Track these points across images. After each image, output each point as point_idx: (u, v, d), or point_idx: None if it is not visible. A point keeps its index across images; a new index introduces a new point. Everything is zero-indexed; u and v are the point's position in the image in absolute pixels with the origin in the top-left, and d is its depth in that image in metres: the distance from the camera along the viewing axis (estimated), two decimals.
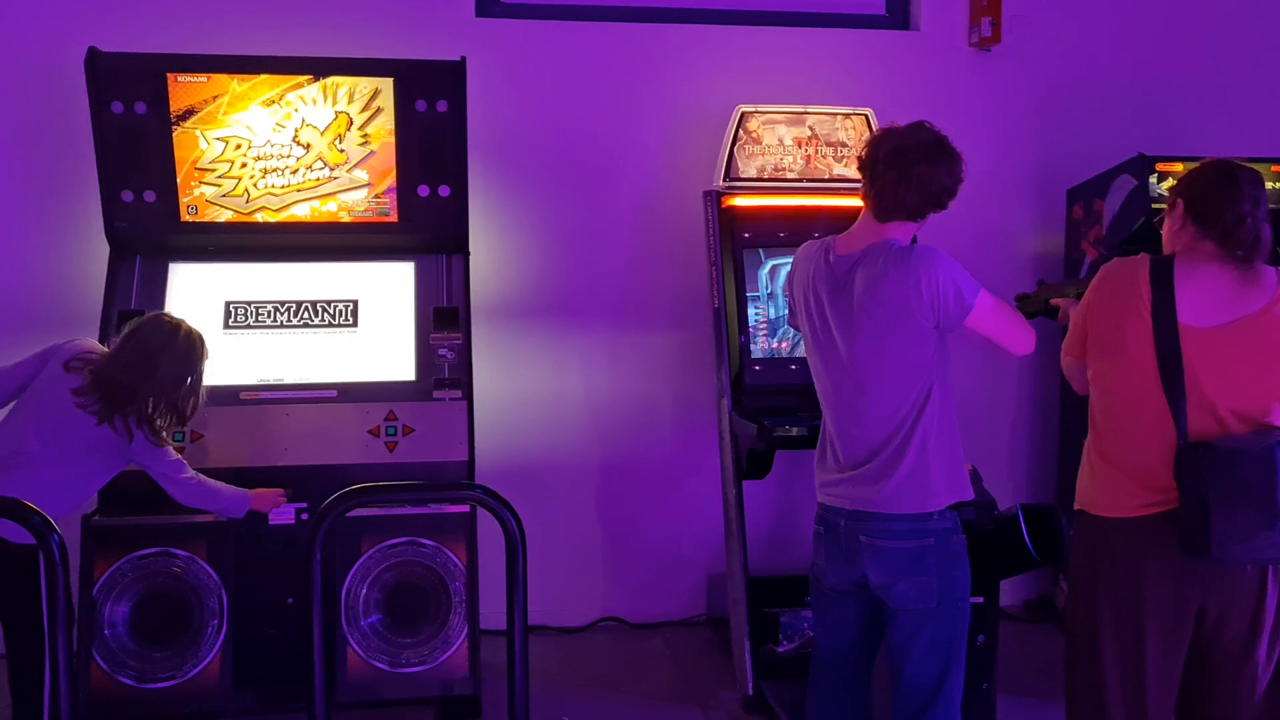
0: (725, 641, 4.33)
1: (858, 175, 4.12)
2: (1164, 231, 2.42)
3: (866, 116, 4.18)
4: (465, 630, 3.54)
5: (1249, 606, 2.23)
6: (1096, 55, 4.70)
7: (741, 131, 4.11)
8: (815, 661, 2.58)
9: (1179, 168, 3.98)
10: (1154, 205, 3.93)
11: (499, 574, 3.96)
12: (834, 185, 4.17)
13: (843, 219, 4.11)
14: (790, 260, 4.04)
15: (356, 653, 3.49)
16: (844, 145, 4.18)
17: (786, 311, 2.63)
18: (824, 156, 4.18)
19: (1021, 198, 4.67)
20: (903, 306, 2.30)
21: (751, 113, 4.11)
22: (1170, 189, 2.43)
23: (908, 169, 2.33)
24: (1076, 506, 2.41)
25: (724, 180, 4.10)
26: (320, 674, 2.28)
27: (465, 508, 3.56)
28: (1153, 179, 3.95)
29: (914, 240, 2.44)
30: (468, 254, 3.90)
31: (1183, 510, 2.16)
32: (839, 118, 4.18)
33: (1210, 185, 2.31)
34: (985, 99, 4.63)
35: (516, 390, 4.42)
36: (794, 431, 3.59)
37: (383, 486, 2.57)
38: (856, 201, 4.12)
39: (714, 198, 4.07)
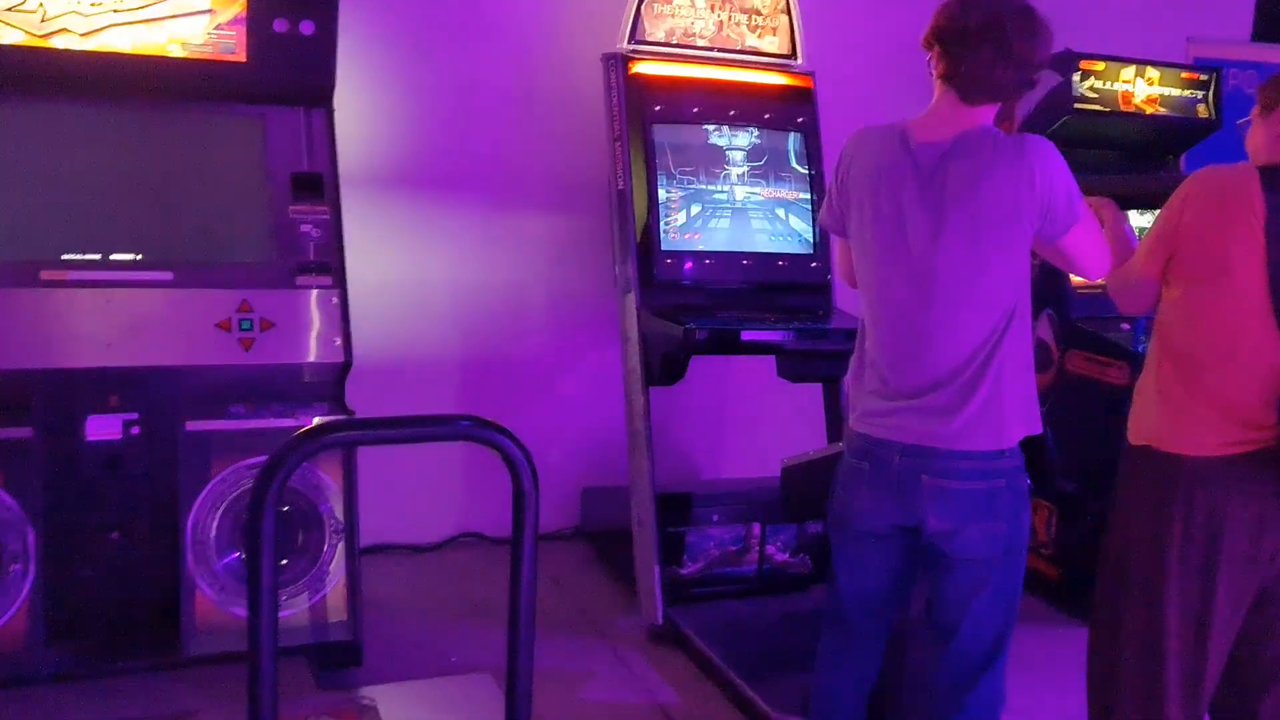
0: (604, 557, 3.98)
1: (770, 50, 3.79)
2: (1255, 137, 2.17)
3: None
4: (344, 565, 2.97)
5: None
6: None
7: None
8: (834, 610, 2.25)
9: (1101, 66, 3.83)
10: (1076, 105, 3.77)
11: (371, 489, 3.38)
12: (746, 58, 3.73)
13: (756, 97, 3.73)
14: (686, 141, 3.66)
15: (207, 597, 2.85)
16: (758, 13, 3.74)
17: (825, 208, 2.21)
18: (737, 24, 3.72)
19: (923, 88, 4.39)
20: (1010, 204, 1.94)
21: None
22: (1267, 88, 2.17)
23: (1006, 43, 1.94)
24: (1139, 441, 2.17)
25: (629, 43, 3.57)
26: (270, 676, 1.70)
27: (341, 418, 2.96)
28: (1075, 77, 3.77)
29: None
30: (331, 108, 3.18)
31: None
32: None
33: None
34: None
35: (370, 275, 3.72)
36: (726, 333, 3.22)
37: (358, 422, 1.93)
38: (771, 78, 3.78)
39: (618, 62, 3.53)
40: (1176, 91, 3.93)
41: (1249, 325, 2.01)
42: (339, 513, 2.96)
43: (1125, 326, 3.70)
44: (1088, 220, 2.02)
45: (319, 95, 3.15)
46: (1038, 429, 2.06)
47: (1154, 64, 3.88)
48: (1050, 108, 3.83)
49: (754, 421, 4.33)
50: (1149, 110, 3.88)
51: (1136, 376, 3.48)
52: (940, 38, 2.01)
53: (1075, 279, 3.66)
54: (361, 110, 3.66)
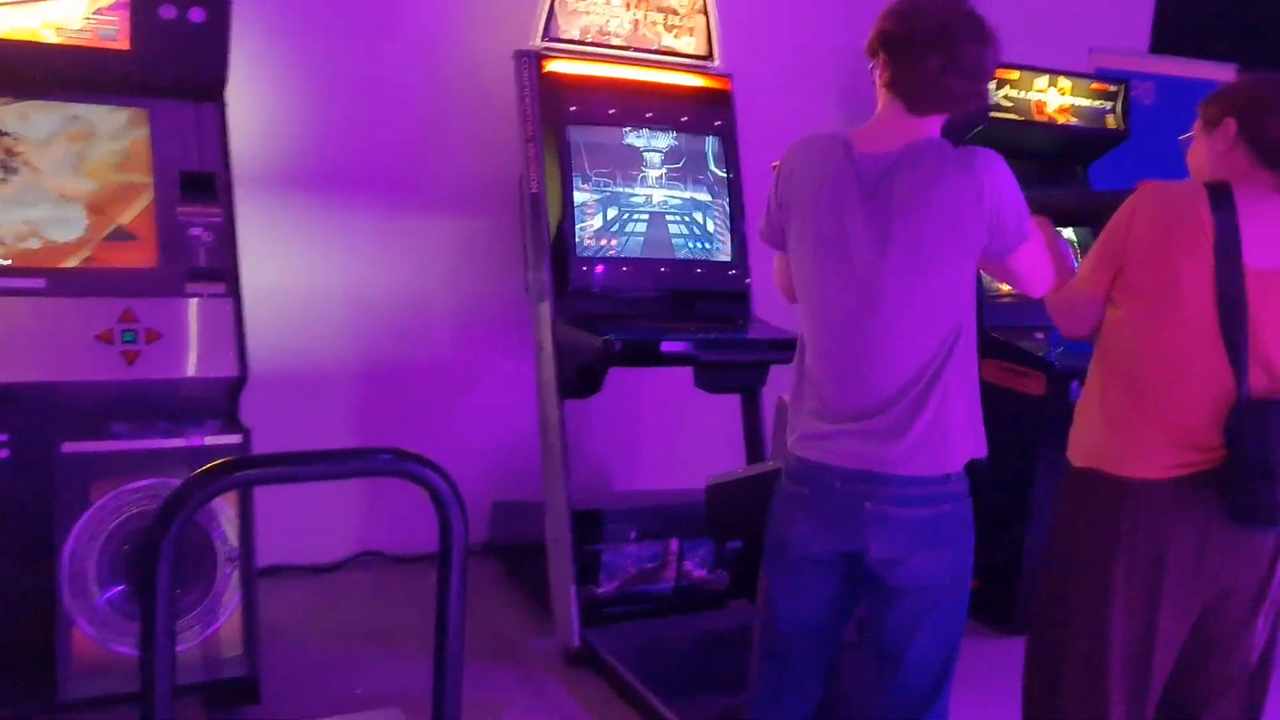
0: (515, 574, 3.84)
1: (686, 51, 3.68)
2: (1198, 153, 2.13)
3: None
4: (239, 595, 2.75)
5: (1259, 575, 2.06)
6: None
7: None
8: (768, 640, 2.14)
9: (1015, 75, 3.82)
10: (992, 114, 3.76)
11: (264, 505, 3.14)
12: (663, 58, 3.61)
13: (673, 99, 3.62)
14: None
15: (86, 635, 2.61)
16: (674, 12, 3.63)
17: (764, 221, 2.10)
18: (653, 23, 3.60)
19: (825, 91, 4.35)
20: (957, 219, 1.86)
21: None
22: (1210, 104, 2.14)
23: (957, 50, 1.86)
24: (1083, 463, 2.12)
25: (542, 39, 3.42)
26: None
27: (236, 437, 2.75)
28: (990, 85, 3.75)
29: None
30: (223, 103, 2.95)
31: (1241, 474, 1.92)
32: None
33: (1274, 107, 2.04)
34: None
35: (264, 280, 3.48)
36: (645, 344, 3.10)
37: (267, 459, 1.71)
38: (688, 79, 3.67)
39: (531, 60, 3.38)
40: (1086, 102, 3.96)
41: (1198, 345, 1.97)
42: (233, 538, 2.75)
43: (1039, 336, 3.71)
44: (1036, 237, 1.96)
45: (210, 88, 2.91)
46: (983, 451, 1.99)
47: (1065, 74, 3.90)
48: (966, 116, 3.80)
49: (670, 432, 4.23)
50: (1060, 120, 3.90)
51: (1052, 386, 3.53)
52: (886, 44, 1.92)
53: (988, 283, 3.65)
54: (256, 105, 3.44)
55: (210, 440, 2.72)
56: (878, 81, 1.98)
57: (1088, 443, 2.12)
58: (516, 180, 3.55)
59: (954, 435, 1.93)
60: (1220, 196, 1.97)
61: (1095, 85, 3.95)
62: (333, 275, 3.68)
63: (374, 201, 3.69)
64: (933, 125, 1.95)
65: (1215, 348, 1.96)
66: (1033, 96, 3.82)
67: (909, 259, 1.87)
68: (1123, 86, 4.00)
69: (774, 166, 2.57)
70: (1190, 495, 2.00)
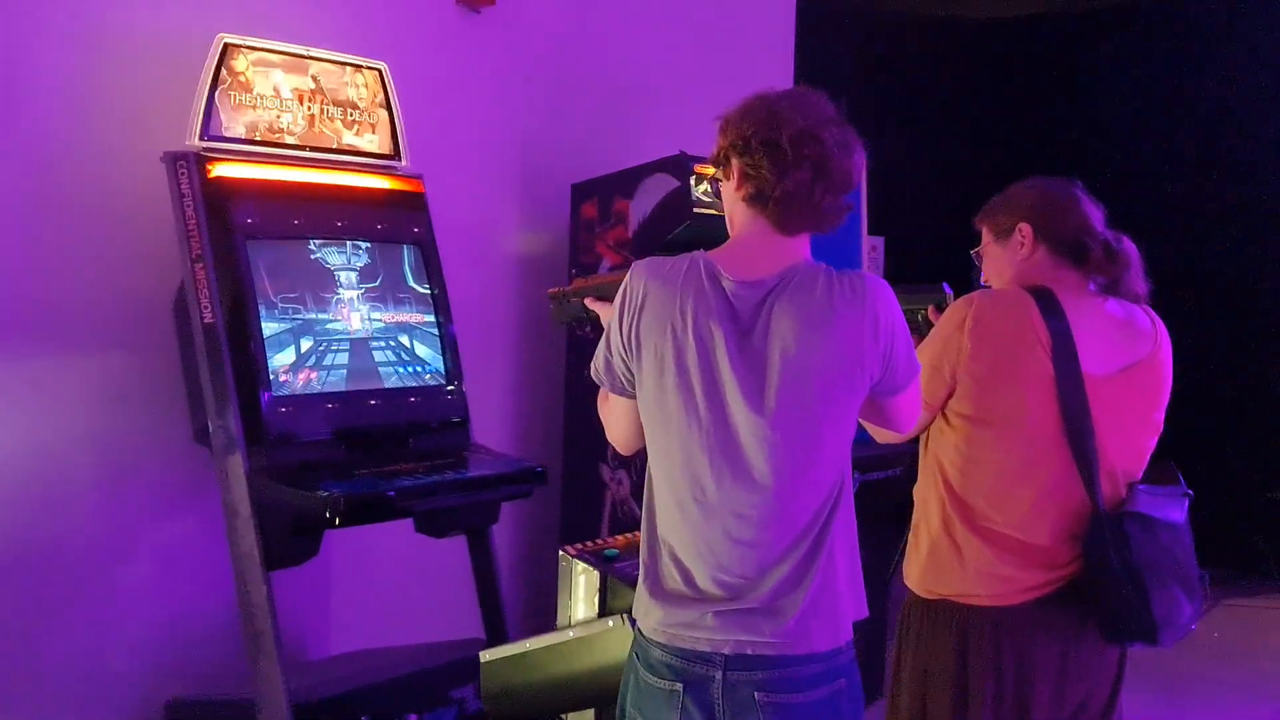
0: None
1: (370, 149, 3.22)
2: (997, 263, 2.07)
3: (381, 72, 3.25)
4: None
5: (1109, 686, 2.00)
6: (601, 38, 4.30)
7: (225, 72, 2.90)
8: None
9: (711, 170, 3.74)
10: (696, 210, 3.65)
11: None
12: (344, 159, 3.17)
13: (363, 205, 3.16)
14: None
15: None
16: (354, 107, 3.20)
17: (603, 361, 1.73)
18: (331, 118, 3.15)
19: (514, 189, 4.07)
20: (850, 357, 1.61)
21: (238, 47, 2.93)
22: (993, 215, 2.07)
23: (826, 162, 1.63)
24: (934, 596, 1.96)
25: (201, 138, 2.86)
26: None
27: None
28: (691, 181, 3.65)
29: None
30: None
31: (1109, 591, 1.83)
32: (349, 70, 3.19)
33: (1065, 205, 2.02)
34: (472, 69, 3.92)
35: None
36: (375, 497, 2.63)
37: None
38: (375, 182, 3.21)
39: (191, 163, 2.81)
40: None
41: (1046, 459, 1.89)
42: None
43: None
44: (919, 370, 1.76)
45: None
46: (864, 611, 1.75)
47: None
48: (669, 213, 3.68)
49: (373, 578, 3.67)
50: None
51: None
52: (743, 153, 1.65)
53: None
54: None
55: None
56: (730, 196, 1.71)
57: (936, 575, 1.97)
58: (172, 304, 2.95)
59: (843, 597, 1.68)
60: (1048, 303, 1.91)
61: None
62: None
63: None
64: (804, 245, 1.71)
65: (1062, 460, 1.88)
66: None
67: (794, 405, 1.61)
68: None
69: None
70: (1050, 616, 1.92)
